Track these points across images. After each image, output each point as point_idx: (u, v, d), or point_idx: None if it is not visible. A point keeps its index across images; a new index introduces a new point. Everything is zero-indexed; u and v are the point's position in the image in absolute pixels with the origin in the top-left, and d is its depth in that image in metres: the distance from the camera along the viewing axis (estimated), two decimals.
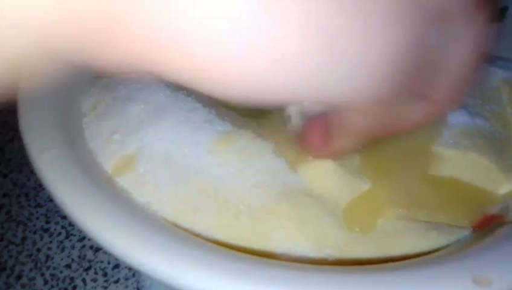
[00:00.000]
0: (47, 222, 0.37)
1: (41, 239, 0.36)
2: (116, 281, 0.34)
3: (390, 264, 0.20)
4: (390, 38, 0.13)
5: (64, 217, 0.37)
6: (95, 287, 0.33)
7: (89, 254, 0.35)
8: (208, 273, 0.18)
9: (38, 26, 0.12)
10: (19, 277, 0.34)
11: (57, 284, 0.33)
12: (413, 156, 0.27)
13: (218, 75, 0.13)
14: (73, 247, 0.35)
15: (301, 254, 0.22)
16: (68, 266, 0.34)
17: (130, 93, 0.26)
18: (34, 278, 0.34)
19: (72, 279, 0.34)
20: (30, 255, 0.35)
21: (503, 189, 0.26)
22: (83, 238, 0.36)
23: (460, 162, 0.26)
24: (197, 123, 0.24)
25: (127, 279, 0.34)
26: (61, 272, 0.34)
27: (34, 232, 0.36)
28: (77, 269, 0.34)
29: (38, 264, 0.35)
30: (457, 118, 0.28)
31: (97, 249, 0.35)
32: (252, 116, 0.27)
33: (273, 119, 0.26)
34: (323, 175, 0.24)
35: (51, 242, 0.36)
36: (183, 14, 0.12)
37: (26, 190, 0.39)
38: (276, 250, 0.22)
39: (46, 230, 0.36)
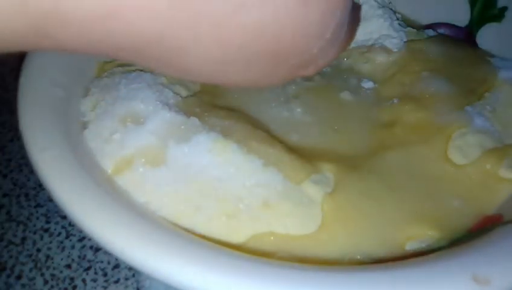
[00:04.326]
0: (47, 222, 0.37)
1: (41, 239, 0.36)
2: (116, 281, 0.34)
3: (390, 263, 0.20)
4: None
5: (64, 217, 0.37)
6: (95, 287, 0.33)
7: (89, 254, 0.35)
8: (208, 273, 0.18)
9: None
10: (19, 277, 0.34)
11: (57, 284, 0.33)
12: (413, 156, 0.27)
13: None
14: (73, 247, 0.35)
15: (302, 253, 0.22)
16: (68, 266, 0.34)
17: (130, 93, 0.26)
18: (34, 278, 0.34)
19: (72, 279, 0.34)
20: (30, 255, 0.35)
21: (503, 188, 0.26)
22: (83, 238, 0.36)
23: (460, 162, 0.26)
24: (197, 122, 0.24)
25: (127, 279, 0.34)
26: (61, 272, 0.34)
27: (34, 232, 0.36)
28: (77, 269, 0.34)
29: (38, 264, 0.34)
30: (458, 118, 0.28)
31: (97, 249, 0.35)
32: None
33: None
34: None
35: (50, 242, 0.36)
36: None
37: (26, 190, 0.39)
38: (276, 249, 0.22)
39: (46, 230, 0.36)
